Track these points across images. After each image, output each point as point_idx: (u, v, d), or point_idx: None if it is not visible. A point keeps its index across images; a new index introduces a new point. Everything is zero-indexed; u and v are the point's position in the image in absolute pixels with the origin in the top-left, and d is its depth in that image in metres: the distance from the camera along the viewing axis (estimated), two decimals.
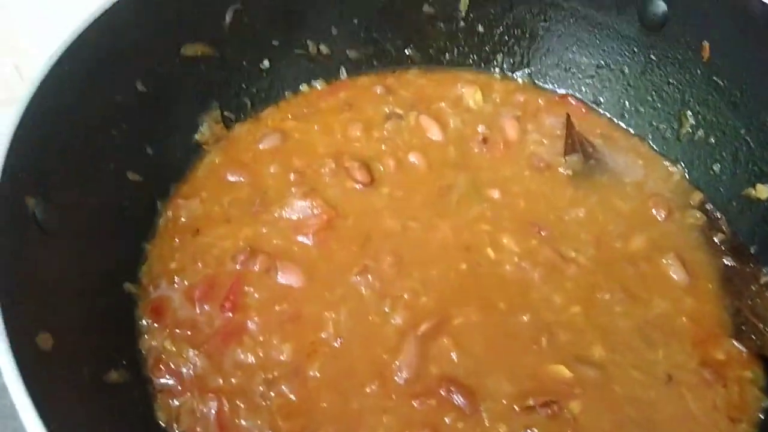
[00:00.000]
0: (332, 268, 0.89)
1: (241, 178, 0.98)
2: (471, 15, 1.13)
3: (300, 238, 0.91)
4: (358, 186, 0.97)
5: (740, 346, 0.85)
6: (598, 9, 1.07)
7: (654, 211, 0.97)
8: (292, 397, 0.78)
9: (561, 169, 1.01)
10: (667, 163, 1.04)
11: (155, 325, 0.83)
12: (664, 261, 0.91)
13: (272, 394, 0.78)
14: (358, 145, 1.03)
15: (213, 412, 0.76)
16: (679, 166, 1.03)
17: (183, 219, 0.93)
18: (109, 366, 0.75)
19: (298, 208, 0.94)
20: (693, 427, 0.78)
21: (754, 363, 0.84)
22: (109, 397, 0.73)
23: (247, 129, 1.05)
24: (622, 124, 1.08)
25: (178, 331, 0.83)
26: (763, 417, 0.80)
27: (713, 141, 0.99)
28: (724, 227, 0.95)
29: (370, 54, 1.13)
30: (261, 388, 0.78)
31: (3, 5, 1.21)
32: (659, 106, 1.05)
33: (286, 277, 0.87)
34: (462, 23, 1.14)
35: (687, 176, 1.02)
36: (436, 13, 1.13)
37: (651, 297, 0.88)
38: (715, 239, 0.94)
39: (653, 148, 1.05)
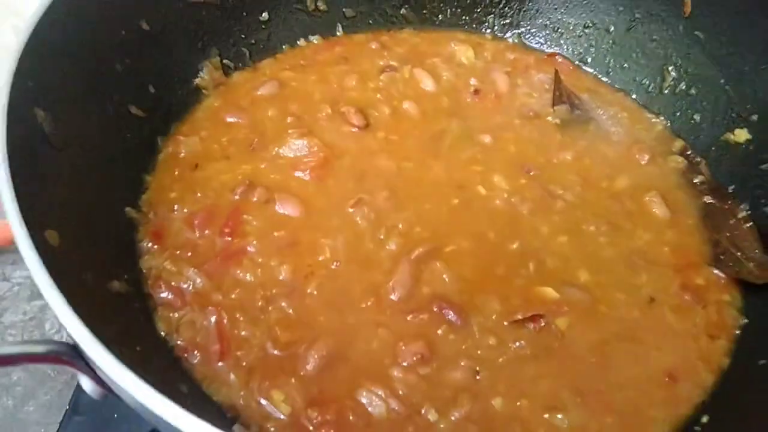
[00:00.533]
0: (329, 201, 0.92)
1: (240, 120, 1.01)
2: None
3: (297, 174, 0.95)
4: (353, 129, 1.01)
5: (719, 273, 0.89)
6: None
7: (637, 156, 1.02)
8: (291, 311, 0.81)
9: (550, 118, 1.06)
10: (650, 115, 1.09)
11: (155, 247, 0.86)
12: (647, 198, 0.96)
13: (271, 308, 0.81)
14: (354, 93, 1.07)
15: (212, 323, 0.79)
16: (661, 117, 1.08)
17: (183, 154, 0.96)
18: (111, 277, 0.78)
19: (295, 147, 0.97)
20: (674, 342, 0.82)
21: (733, 287, 0.89)
22: (111, 304, 0.75)
23: (245, 77, 1.08)
24: (608, 80, 1.13)
25: (178, 252, 0.85)
26: (739, 333, 0.84)
27: (694, 92, 1.05)
28: (703, 170, 1.00)
29: (365, 12, 1.17)
30: (260, 303, 0.81)
31: None
32: (643, 62, 1.10)
33: (284, 208, 0.90)
34: None
35: (669, 126, 1.07)
36: None
37: (635, 229, 0.92)
38: (695, 180, 0.99)
39: (637, 101, 1.11)
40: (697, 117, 1.04)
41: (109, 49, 0.89)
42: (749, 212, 0.94)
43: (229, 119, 1.01)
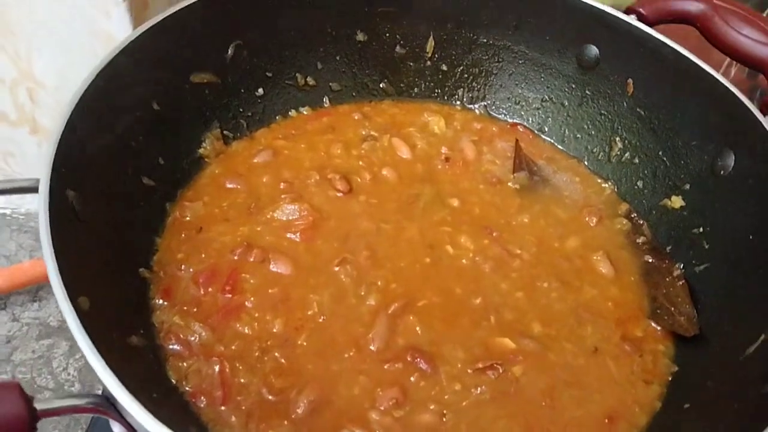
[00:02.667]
0: (316, 260, 1.03)
1: (238, 186, 1.13)
2: (436, 56, 1.32)
3: (289, 235, 1.06)
4: (338, 194, 1.13)
5: (655, 326, 1.02)
6: (542, 52, 1.27)
7: (587, 218, 1.15)
8: (283, 361, 0.92)
9: (510, 184, 1.19)
10: (599, 180, 1.23)
11: (165, 303, 0.97)
12: (594, 258, 1.08)
13: (266, 358, 0.91)
14: (339, 161, 1.19)
15: (216, 371, 0.90)
16: (609, 182, 1.22)
17: (188, 218, 1.07)
18: (130, 332, 0.89)
19: (287, 211, 1.09)
20: (614, 387, 0.94)
21: (667, 338, 1.00)
22: (131, 356, 0.86)
23: (243, 146, 1.21)
24: (563, 148, 1.27)
25: (185, 308, 0.96)
26: (671, 379, 0.96)
27: (637, 161, 1.19)
28: (645, 232, 1.13)
29: (350, 86, 1.31)
30: (257, 354, 0.92)
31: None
32: (593, 133, 1.25)
33: (278, 267, 1.02)
34: (428, 62, 1.33)
35: (616, 191, 1.21)
36: (407, 54, 1.32)
37: (582, 285, 1.04)
38: (638, 241, 1.12)
39: (588, 168, 1.24)
40: (640, 183, 1.18)
41: (126, 131, 1.01)
42: (683, 270, 1.07)
43: (229, 185, 1.13)
